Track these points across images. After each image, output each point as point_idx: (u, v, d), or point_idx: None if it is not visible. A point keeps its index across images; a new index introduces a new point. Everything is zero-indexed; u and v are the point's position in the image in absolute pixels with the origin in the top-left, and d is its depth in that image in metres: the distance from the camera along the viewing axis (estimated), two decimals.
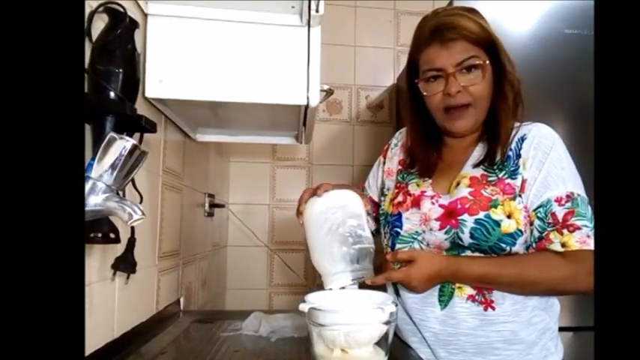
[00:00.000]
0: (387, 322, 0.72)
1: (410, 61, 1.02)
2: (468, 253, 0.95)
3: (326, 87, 1.10)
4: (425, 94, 0.98)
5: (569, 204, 0.90)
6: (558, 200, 0.91)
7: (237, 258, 2.13)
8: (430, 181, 1.04)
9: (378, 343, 0.74)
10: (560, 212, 0.90)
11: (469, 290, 0.94)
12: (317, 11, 0.93)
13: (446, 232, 0.95)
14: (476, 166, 0.98)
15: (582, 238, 0.89)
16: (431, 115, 1.01)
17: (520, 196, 0.93)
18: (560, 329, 1.04)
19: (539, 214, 0.92)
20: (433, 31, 0.94)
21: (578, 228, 0.89)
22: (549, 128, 0.98)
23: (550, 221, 0.91)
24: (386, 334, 0.73)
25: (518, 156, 0.95)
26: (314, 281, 2.13)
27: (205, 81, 0.99)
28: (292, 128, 1.34)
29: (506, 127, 0.97)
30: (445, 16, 0.95)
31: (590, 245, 0.89)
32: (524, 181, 0.93)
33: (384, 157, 1.19)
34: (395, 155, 1.17)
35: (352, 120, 2.24)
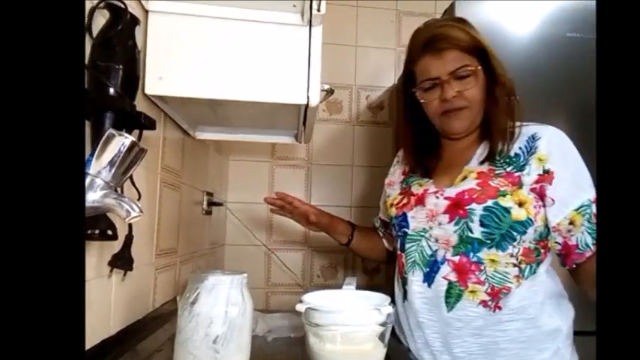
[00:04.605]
0: (384, 324, 0.72)
1: (406, 72, 1.09)
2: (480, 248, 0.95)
3: (326, 87, 1.10)
4: (423, 101, 1.04)
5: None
6: (595, 202, 0.92)
7: (235, 257, 2.12)
8: (432, 180, 1.08)
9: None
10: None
11: (483, 296, 0.94)
12: (318, 10, 0.92)
13: (455, 224, 0.96)
14: (482, 162, 1.00)
15: None
16: (424, 121, 1.08)
17: (544, 194, 0.94)
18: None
19: (583, 214, 0.93)
20: (426, 43, 1.00)
21: None
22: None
23: (594, 221, 0.92)
24: (382, 336, 0.73)
25: (532, 153, 0.96)
26: (311, 281, 2.13)
27: (205, 79, 0.98)
28: (292, 127, 1.34)
29: (499, 126, 1.00)
30: (436, 27, 1.01)
31: None
32: (548, 173, 0.94)
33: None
34: (397, 170, 1.23)
35: (352, 120, 2.23)
